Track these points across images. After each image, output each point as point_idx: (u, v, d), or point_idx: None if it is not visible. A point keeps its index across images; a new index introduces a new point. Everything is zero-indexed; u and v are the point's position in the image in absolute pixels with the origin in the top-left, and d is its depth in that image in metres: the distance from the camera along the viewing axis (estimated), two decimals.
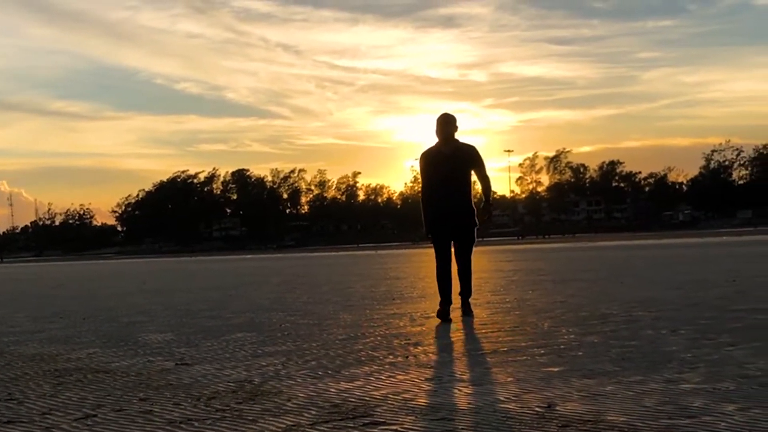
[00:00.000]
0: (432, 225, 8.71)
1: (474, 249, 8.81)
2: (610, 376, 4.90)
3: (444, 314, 8.57)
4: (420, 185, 8.97)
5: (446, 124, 8.76)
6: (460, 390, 4.70)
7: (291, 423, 4.01)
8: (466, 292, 8.87)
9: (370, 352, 6.42)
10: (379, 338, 7.30)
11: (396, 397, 4.56)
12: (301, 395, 4.73)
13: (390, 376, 5.26)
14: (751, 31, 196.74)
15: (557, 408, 4.07)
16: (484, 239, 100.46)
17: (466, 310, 8.83)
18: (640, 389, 4.47)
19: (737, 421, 3.65)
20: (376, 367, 5.65)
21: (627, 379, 4.77)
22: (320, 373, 5.52)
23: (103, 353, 7.10)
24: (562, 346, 6.27)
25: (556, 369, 5.25)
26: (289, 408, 4.38)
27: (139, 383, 5.42)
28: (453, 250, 8.75)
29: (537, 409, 4.08)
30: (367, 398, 4.55)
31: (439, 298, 8.77)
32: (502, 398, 4.40)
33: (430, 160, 8.79)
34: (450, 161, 8.65)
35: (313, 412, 4.23)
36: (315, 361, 6.07)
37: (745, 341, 6.09)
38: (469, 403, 4.30)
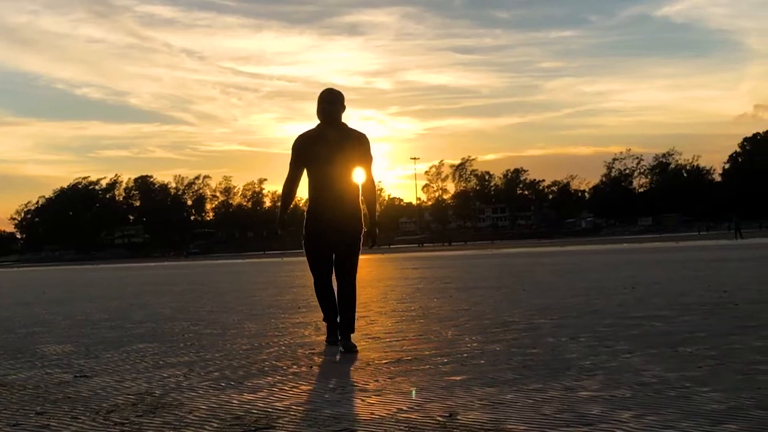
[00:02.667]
0: (310, 234, 6.93)
1: (363, 258, 8.04)
2: (511, 384, 4.96)
3: (332, 335, 7.23)
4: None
5: (331, 102, 6.90)
6: (363, 400, 4.71)
7: None
8: (347, 325, 6.85)
9: (274, 363, 6.39)
10: (283, 348, 7.27)
11: (299, 408, 4.55)
12: (203, 407, 4.68)
13: (294, 387, 5.24)
14: (650, 43, 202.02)
15: (459, 417, 4.10)
16: (391, 247, 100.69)
17: (348, 345, 6.80)
18: (539, 397, 4.53)
19: (633, 428, 3.73)
20: (279, 378, 5.63)
21: (527, 387, 4.84)
22: (223, 384, 5.47)
23: None
24: (465, 355, 6.32)
25: (458, 378, 5.30)
26: (190, 420, 4.33)
27: (37, 396, 5.30)
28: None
29: (439, 418, 4.10)
30: (270, 409, 4.53)
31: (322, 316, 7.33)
32: (404, 408, 4.41)
33: (308, 146, 6.89)
34: (335, 150, 6.81)
35: (215, 425, 4.19)
36: (218, 372, 6.01)
37: (642, 348, 6.23)
38: (372, 413, 4.31)
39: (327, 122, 6.90)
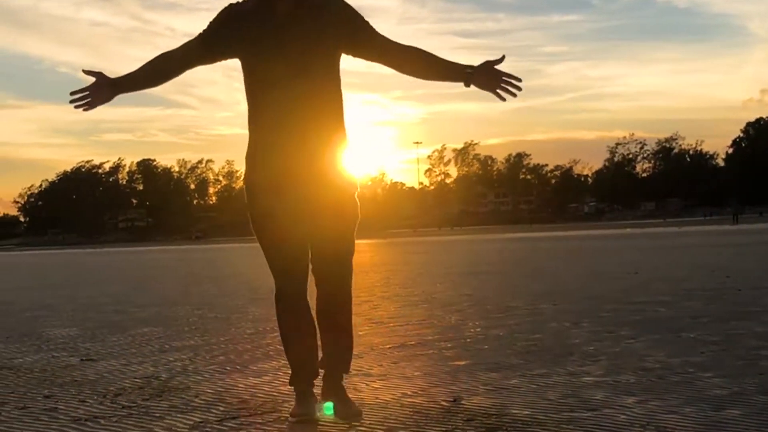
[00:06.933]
0: (260, 201, 3.84)
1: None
2: (515, 370, 4.99)
3: (305, 407, 3.94)
4: None
5: None
6: (367, 384, 4.74)
7: (199, 420, 4.00)
8: (337, 360, 4.07)
9: (278, 347, 6.39)
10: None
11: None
12: (209, 391, 4.71)
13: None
14: (654, 27, 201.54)
15: (463, 402, 4.14)
16: (392, 232, 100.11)
17: (339, 394, 3.98)
18: (543, 382, 4.56)
19: (636, 413, 3.76)
20: (284, 362, 5.60)
21: (531, 372, 4.87)
22: (228, 368, 5.51)
23: (6, 349, 6.95)
24: (468, 340, 6.35)
25: (462, 363, 5.33)
26: (196, 404, 4.36)
27: (44, 380, 5.33)
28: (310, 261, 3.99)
29: (443, 403, 4.14)
30: (275, 393, 4.56)
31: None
32: (409, 392, 4.45)
33: (242, 24, 3.77)
34: (292, 30, 3.73)
35: (221, 408, 4.22)
36: (223, 356, 6.04)
37: (645, 334, 6.25)
38: (377, 398, 4.35)
39: None
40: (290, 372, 4.06)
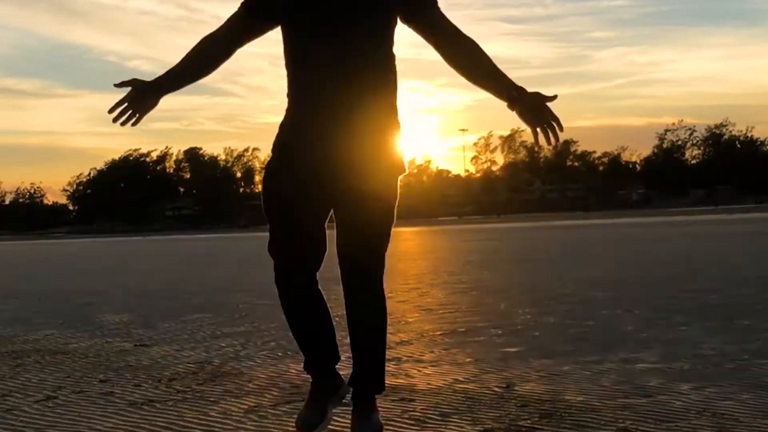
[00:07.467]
0: (282, 166, 3.31)
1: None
2: (567, 356, 4.97)
3: (312, 410, 3.44)
4: None
5: None
6: (419, 371, 4.74)
7: (253, 404, 4.03)
8: (368, 372, 3.48)
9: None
10: (337, 319, 7.26)
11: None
12: (262, 376, 4.75)
13: (350, 358, 5.25)
14: (704, 12, 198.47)
15: (516, 388, 4.12)
16: (439, 219, 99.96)
17: (364, 411, 3.36)
18: (596, 369, 4.54)
19: (692, 400, 3.72)
20: None
21: (584, 359, 4.84)
22: (280, 354, 5.54)
23: (60, 334, 7.05)
24: (519, 327, 6.33)
25: (513, 349, 5.32)
26: (250, 389, 4.40)
27: (99, 364, 5.40)
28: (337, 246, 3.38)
29: (496, 389, 4.13)
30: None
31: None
32: (461, 378, 4.44)
33: None
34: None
35: (275, 393, 4.25)
36: (274, 342, 6.07)
37: (698, 321, 6.20)
38: (429, 384, 4.35)
39: None
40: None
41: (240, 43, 3.38)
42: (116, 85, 3.25)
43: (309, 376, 3.58)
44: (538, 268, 12.62)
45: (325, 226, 3.33)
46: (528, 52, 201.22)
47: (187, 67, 3.36)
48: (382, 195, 3.24)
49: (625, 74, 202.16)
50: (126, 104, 3.23)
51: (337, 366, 3.58)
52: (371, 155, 3.21)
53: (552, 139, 3.18)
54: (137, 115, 3.27)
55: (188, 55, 3.35)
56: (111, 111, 3.24)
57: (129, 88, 3.24)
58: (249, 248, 28.74)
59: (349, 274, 3.41)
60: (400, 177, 3.31)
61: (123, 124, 3.25)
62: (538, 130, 3.15)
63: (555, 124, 3.15)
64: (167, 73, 3.34)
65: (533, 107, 3.15)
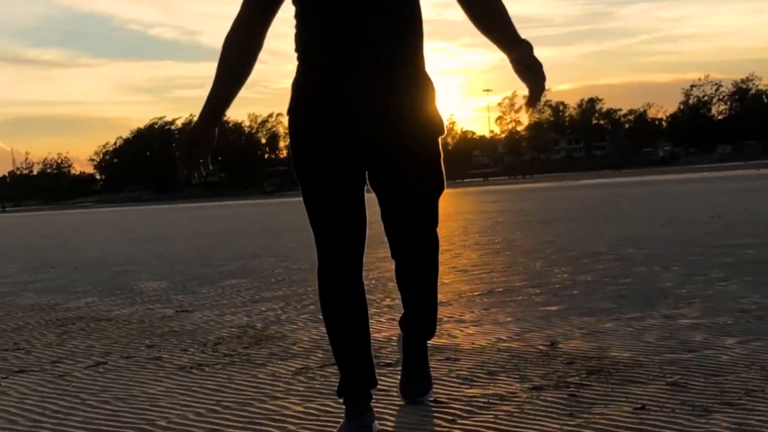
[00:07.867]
0: (308, 137, 2.89)
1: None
2: (609, 314, 4.98)
3: (356, 412, 3.00)
4: None
5: None
6: (461, 330, 4.78)
7: (300, 366, 4.08)
8: (422, 326, 3.36)
9: (367, 296, 6.47)
10: (373, 282, 7.34)
11: (397, 339, 4.62)
12: (305, 339, 4.79)
13: (390, 319, 5.32)
14: None
15: (560, 346, 4.15)
16: (464, 181, 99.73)
17: (415, 376, 3.39)
18: (639, 325, 4.55)
19: (738, 353, 3.73)
20: (374, 311, 5.69)
21: (625, 316, 4.85)
22: (320, 316, 5.53)
23: (102, 302, 7.13)
24: (557, 286, 6.35)
25: (554, 308, 5.33)
26: (295, 352, 4.44)
27: (143, 330, 5.47)
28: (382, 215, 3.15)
29: (540, 347, 4.15)
30: (371, 341, 4.61)
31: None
32: (504, 337, 4.47)
33: None
34: None
35: (320, 355, 4.29)
36: (313, 305, 6.11)
37: (737, 276, 6.19)
38: (473, 343, 4.38)
39: None
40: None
41: (268, 23, 2.99)
42: (175, 155, 3.01)
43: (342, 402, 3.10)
44: (569, 227, 12.60)
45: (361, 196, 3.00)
46: (551, 10, 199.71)
47: (230, 86, 2.96)
48: (432, 157, 2.98)
49: (649, 30, 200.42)
50: (182, 156, 2.99)
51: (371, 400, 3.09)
52: (420, 111, 2.89)
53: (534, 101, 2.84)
54: (203, 161, 3.02)
55: (223, 67, 2.94)
56: (181, 175, 3.03)
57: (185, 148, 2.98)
58: (275, 215, 28.84)
59: (400, 241, 3.16)
60: (440, 138, 3.00)
61: (198, 179, 3.03)
62: (530, 89, 2.82)
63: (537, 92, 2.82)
64: (209, 99, 2.96)
65: (529, 69, 2.82)
